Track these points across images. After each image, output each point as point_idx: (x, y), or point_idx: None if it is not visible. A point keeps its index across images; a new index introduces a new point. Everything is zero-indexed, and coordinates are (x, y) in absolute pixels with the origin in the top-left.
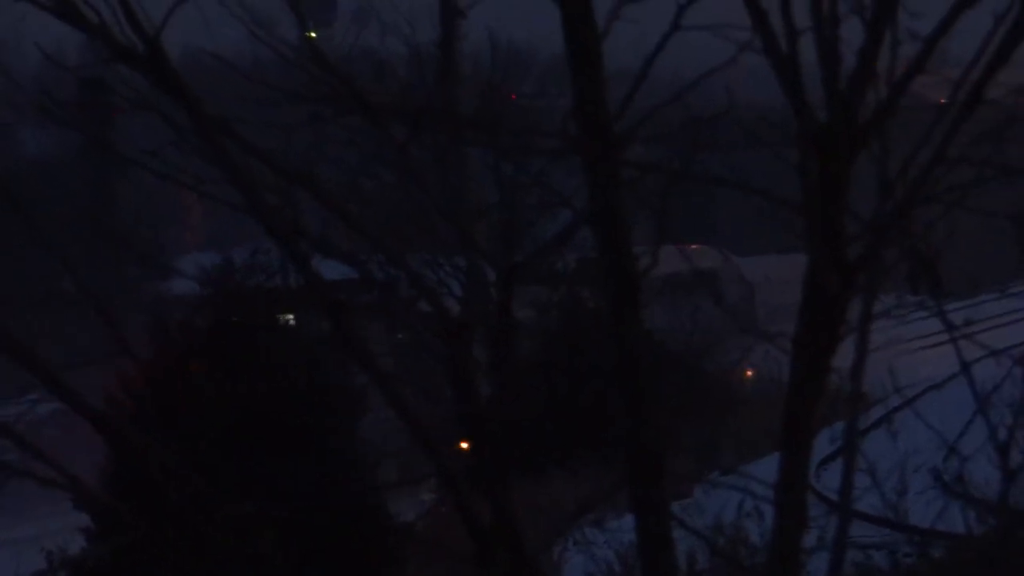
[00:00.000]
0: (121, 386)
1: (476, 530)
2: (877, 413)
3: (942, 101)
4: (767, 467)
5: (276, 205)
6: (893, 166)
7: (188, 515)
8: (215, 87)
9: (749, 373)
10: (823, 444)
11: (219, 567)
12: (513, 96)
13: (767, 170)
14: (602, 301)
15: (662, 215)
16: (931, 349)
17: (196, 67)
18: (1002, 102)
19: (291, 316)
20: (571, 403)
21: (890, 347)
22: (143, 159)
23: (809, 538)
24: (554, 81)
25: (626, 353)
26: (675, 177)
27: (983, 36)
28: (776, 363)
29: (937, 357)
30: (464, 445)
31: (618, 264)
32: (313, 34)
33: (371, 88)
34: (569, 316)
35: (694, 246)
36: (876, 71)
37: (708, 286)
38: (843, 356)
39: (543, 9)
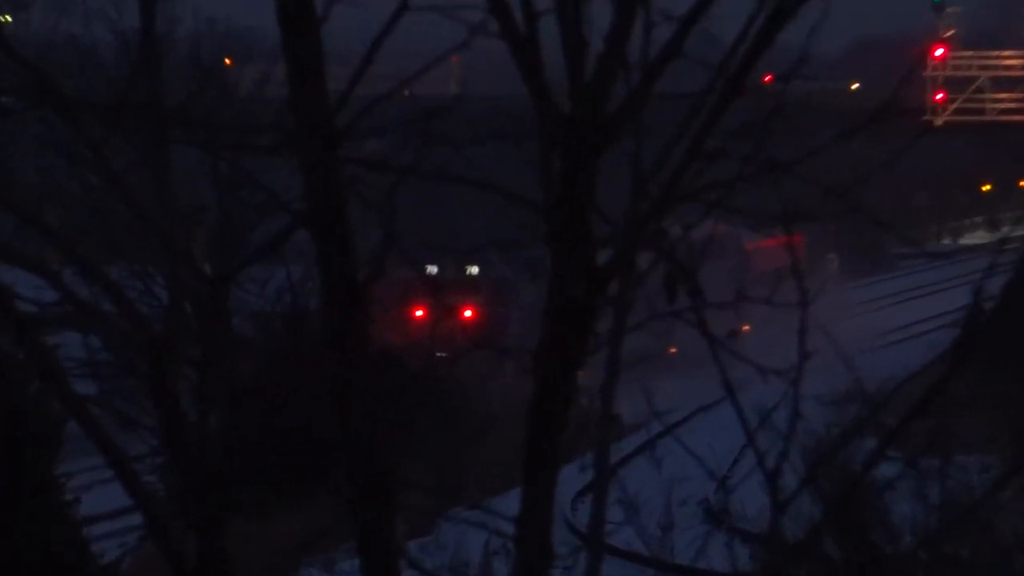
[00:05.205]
0: None
1: (180, 572)
2: (639, 438)
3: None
4: (517, 501)
5: None
6: (648, 161)
7: None
8: None
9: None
10: (579, 474)
11: None
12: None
13: (509, 167)
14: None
15: (389, 216)
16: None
17: None
18: (767, 91)
19: None
20: (296, 427)
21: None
22: None
23: None
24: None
25: (346, 370)
26: (402, 174)
27: (745, 18)
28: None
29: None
30: None
31: (338, 271)
32: (8, 18)
33: (72, 80)
34: (293, 330)
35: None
36: (626, 57)
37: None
38: None
39: None
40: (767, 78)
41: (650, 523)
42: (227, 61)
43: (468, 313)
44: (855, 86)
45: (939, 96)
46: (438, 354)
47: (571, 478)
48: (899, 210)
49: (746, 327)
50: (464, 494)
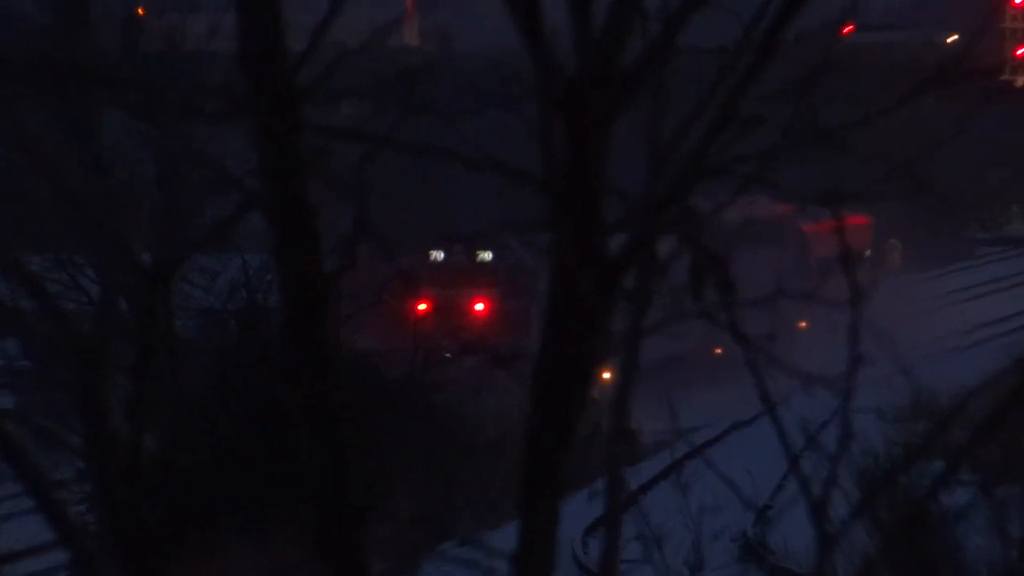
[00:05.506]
0: None
1: None
2: (663, 460)
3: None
4: (513, 534)
5: None
6: (669, 129)
7: None
8: None
9: None
10: (590, 504)
11: None
12: None
13: (510, 135)
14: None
15: (361, 196)
16: None
17: None
18: (811, 44)
19: None
20: (252, 447)
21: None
22: None
23: None
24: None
25: (310, 378)
26: (377, 145)
27: None
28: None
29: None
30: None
31: (300, 262)
32: None
33: None
34: (248, 331)
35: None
36: (644, 3)
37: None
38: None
39: None
40: (847, 29)
41: (675, 561)
42: (139, 11)
43: (479, 307)
44: (952, 38)
45: (1021, 51)
46: (443, 355)
47: (582, 509)
48: (975, 188)
49: (802, 324)
50: (452, 527)
